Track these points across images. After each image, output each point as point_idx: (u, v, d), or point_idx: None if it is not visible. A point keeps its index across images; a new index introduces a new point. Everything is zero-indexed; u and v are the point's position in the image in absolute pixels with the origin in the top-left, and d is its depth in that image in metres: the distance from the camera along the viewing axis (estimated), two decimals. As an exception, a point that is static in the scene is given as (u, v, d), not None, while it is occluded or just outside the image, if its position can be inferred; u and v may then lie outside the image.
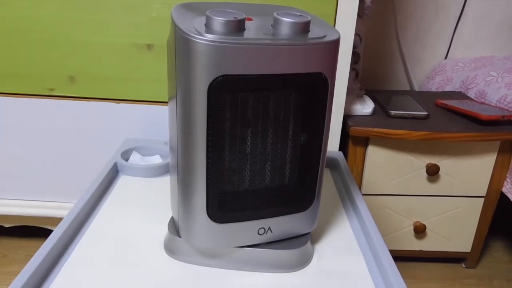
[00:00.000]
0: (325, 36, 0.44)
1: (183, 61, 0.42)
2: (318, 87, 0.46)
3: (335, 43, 0.45)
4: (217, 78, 0.42)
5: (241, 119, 0.46)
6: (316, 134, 0.49)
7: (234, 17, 0.42)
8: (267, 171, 0.50)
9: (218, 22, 0.42)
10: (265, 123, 0.47)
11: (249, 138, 0.47)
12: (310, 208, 0.52)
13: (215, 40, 0.41)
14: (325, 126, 0.49)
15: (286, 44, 0.43)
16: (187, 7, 0.49)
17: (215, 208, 0.48)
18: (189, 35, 0.41)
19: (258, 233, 0.51)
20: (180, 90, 0.44)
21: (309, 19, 0.45)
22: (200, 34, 0.41)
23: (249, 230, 0.50)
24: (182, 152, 0.46)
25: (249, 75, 0.43)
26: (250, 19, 0.47)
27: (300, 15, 0.46)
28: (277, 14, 0.45)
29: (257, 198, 0.50)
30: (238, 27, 0.42)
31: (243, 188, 0.49)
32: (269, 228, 0.51)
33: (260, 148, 0.48)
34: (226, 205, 0.48)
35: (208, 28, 0.42)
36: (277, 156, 0.49)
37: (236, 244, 0.51)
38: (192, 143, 0.45)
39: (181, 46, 0.42)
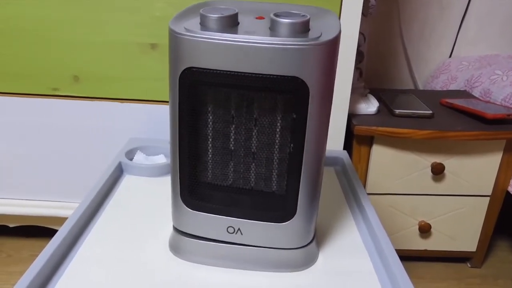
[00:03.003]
0: (309, 38, 0.42)
1: (169, 54, 0.46)
2: (294, 92, 0.44)
3: (320, 47, 0.42)
4: (184, 70, 0.44)
5: (204, 112, 0.47)
6: (296, 143, 0.46)
7: (221, 14, 0.43)
8: (231, 169, 0.50)
9: (208, 18, 0.43)
10: (228, 120, 0.48)
11: (210, 132, 0.48)
12: (289, 222, 0.49)
13: (184, 33, 0.43)
14: (306, 135, 0.45)
15: (255, 42, 0.42)
16: (200, 6, 0.50)
17: (187, 195, 0.50)
18: (170, 29, 0.44)
19: (228, 231, 0.51)
20: (169, 83, 0.47)
21: (305, 19, 0.43)
22: (181, 29, 0.43)
23: (217, 224, 0.51)
24: (170, 140, 0.49)
25: (215, 70, 0.43)
26: (262, 18, 0.47)
27: (302, 15, 0.44)
28: (273, 14, 0.44)
29: (225, 194, 0.50)
30: (226, 23, 0.43)
31: (211, 180, 0.51)
32: (239, 229, 0.50)
33: (223, 144, 0.49)
34: (194, 193, 0.50)
35: (202, 25, 0.44)
36: (244, 155, 0.49)
37: (207, 235, 0.52)
38: (173, 132, 0.48)
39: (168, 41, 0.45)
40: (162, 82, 0.89)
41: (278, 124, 0.46)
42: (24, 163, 0.97)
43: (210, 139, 0.49)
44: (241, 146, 0.49)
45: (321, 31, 0.44)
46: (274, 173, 0.49)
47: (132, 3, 0.83)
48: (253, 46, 0.42)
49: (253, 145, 0.48)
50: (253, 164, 0.49)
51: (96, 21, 0.84)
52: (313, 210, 0.50)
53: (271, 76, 0.43)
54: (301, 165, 0.47)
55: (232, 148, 0.49)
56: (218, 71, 0.43)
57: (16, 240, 1.13)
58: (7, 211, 1.01)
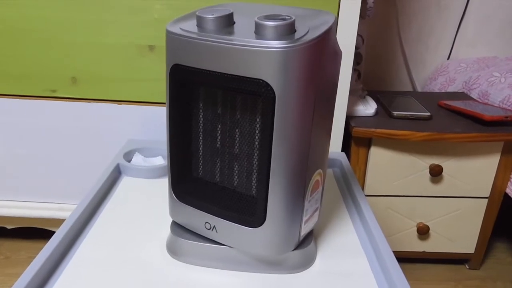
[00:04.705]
0: (278, 41, 0.40)
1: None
2: (260, 94, 0.43)
3: (287, 50, 0.40)
4: (172, 67, 0.46)
5: (190, 109, 0.49)
6: (263, 147, 0.45)
7: (212, 14, 0.44)
8: (218, 167, 0.51)
9: (202, 19, 0.45)
10: (214, 119, 0.49)
11: (196, 129, 0.50)
12: (258, 228, 0.48)
13: (171, 31, 0.45)
14: (274, 139, 0.44)
15: (225, 43, 0.42)
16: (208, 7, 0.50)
17: (175, 185, 0.52)
18: (166, 28, 0.46)
19: (206, 227, 0.51)
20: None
21: (286, 22, 0.41)
22: (173, 28, 0.45)
23: (196, 218, 0.52)
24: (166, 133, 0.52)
25: (194, 68, 0.45)
26: None
27: (288, 18, 0.42)
28: (258, 17, 0.43)
29: (207, 190, 0.51)
30: (219, 24, 0.44)
31: (202, 176, 0.53)
32: (214, 226, 0.51)
33: (210, 142, 0.50)
34: (180, 185, 0.52)
35: (198, 26, 0.45)
36: (228, 155, 0.49)
37: (190, 227, 0.53)
38: (166, 126, 0.50)
39: None
40: (160, 84, 0.89)
41: (257, 126, 0.46)
42: (22, 164, 0.97)
43: (199, 136, 0.50)
44: (225, 145, 0.49)
45: (304, 34, 0.42)
46: (254, 176, 0.49)
47: (131, 5, 0.83)
48: (223, 46, 0.42)
49: (236, 145, 0.48)
50: (236, 164, 0.49)
51: (94, 22, 0.84)
52: (290, 219, 0.48)
53: (241, 78, 0.43)
54: (269, 171, 0.45)
55: (218, 146, 0.50)
56: (198, 70, 0.45)
57: (14, 242, 1.13)
58: (5, 212, 1.01)
